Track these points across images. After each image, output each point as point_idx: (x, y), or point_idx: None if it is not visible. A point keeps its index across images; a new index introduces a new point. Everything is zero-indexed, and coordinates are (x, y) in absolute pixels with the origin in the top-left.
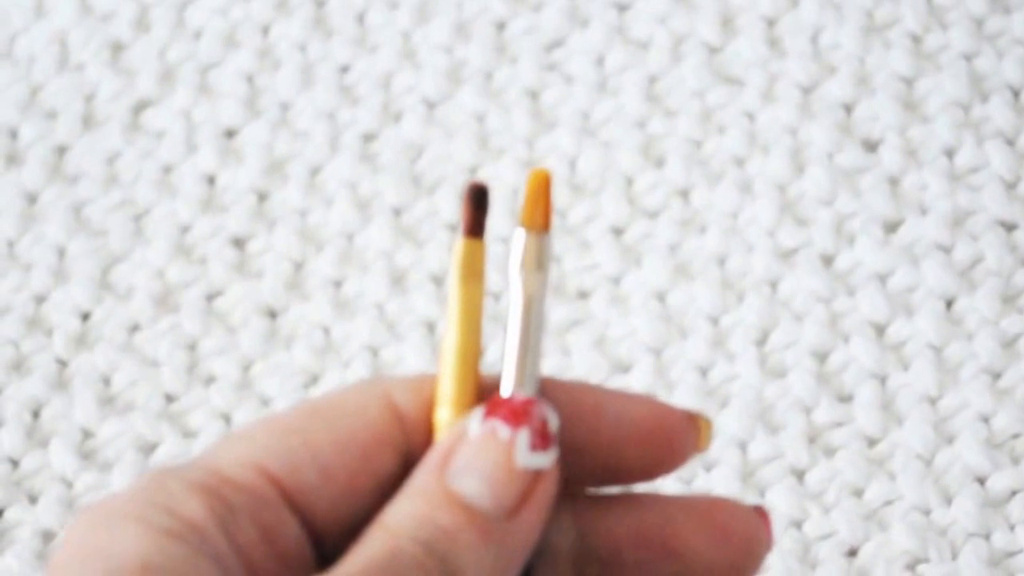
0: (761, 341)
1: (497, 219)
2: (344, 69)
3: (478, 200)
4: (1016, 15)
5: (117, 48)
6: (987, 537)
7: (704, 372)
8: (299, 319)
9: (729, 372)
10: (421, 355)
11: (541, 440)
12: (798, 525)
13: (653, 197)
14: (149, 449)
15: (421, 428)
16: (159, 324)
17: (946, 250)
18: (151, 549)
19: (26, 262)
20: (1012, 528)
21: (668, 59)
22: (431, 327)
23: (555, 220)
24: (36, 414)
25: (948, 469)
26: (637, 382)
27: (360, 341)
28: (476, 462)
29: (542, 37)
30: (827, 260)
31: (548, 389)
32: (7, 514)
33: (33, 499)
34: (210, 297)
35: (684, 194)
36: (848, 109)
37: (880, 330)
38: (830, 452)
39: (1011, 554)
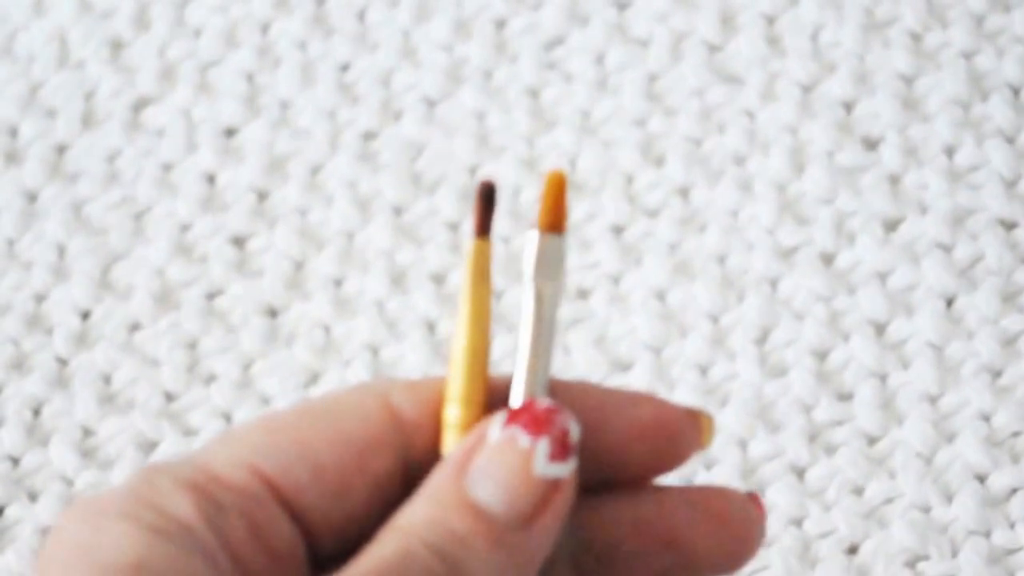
0: (761, 340)
1: (497, 219)
2: (344, 67)
3: (488, 199)
4: (1016, 13)
5: (117, 46)
6: (987, 535)
7: (704, 371)
8: (299, 318)
9: (729, 371)
10: (421, 354)
11: (561, 450)
12: (798, 523)
13: (653, 196)
14: (149, 447)
15: (420, 429)
16: (159, 323)
17: (946, 249)
18: (142, 548)
19: (26, 260)
20: (1012, 526)
21: (668, 57)
22: (431, 326)
23: None
24: (36, 412)
25: (948, 467)
26: (637, 381)
27: (360, 340)
28: (494, 468)
29: (542, 35)
30: (827, 259)
31: (550, 389)
32: (7, 512)
33: (33, 497)
34: (210, 296)
35: (684, 193)
36: (848, 107)
37: (880, 329)
38: (830, 450)
39: (1011, 552)
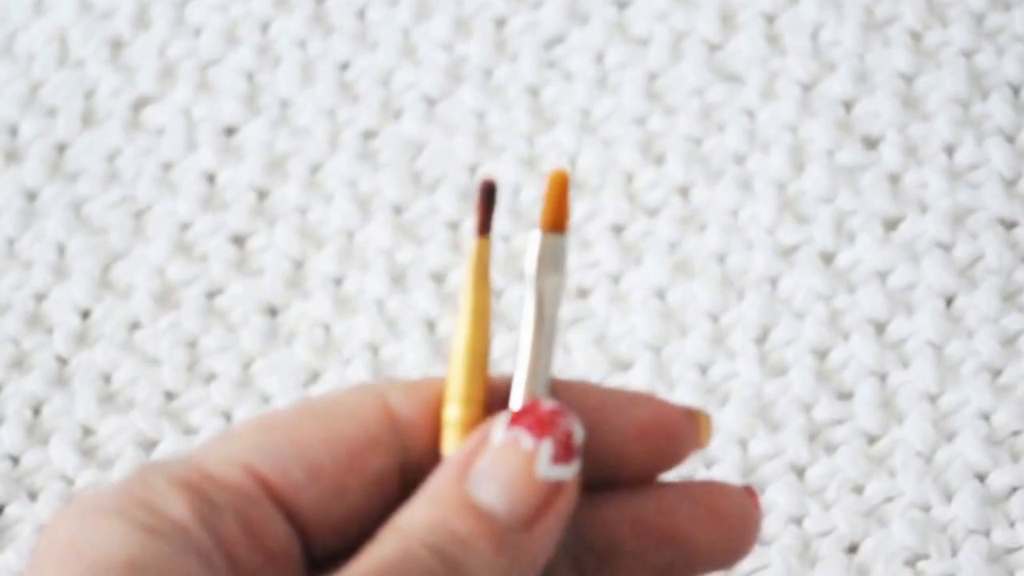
0: (761, 339)
1: (497, 218)
2: (344, 66)
3: (489, 198)
4: (1016, 12)
5: (117, 45)
6: (987, 534)
7: (704, 370)
8: (299, 317)
9: (729, 370)
10: (421, 353)
11: (564, 452)
12: (798, 522)
13: (653, 195)
14: (149, 446)
15: (418, 429)
16: (159, 322)
17: (946, 248)
18: (136, 547)
19: (26, 259)
20: (1012, 525)
21: (668, 56)
22: (431, 325)
23: None
24: (36, 411)
25: (948, 466)
26: (637, 380)
27: (360, 339)
28: (496, 470)
29: (542, 34)
30: (827, 258)
31: (550, 388)
32: (8, 511)
33: (33, 496)
34: (210, 295)
35: (684, 192)
36: (848, 106)
37: (880, 328)
38: (830, 449)
39: (1011, 551)
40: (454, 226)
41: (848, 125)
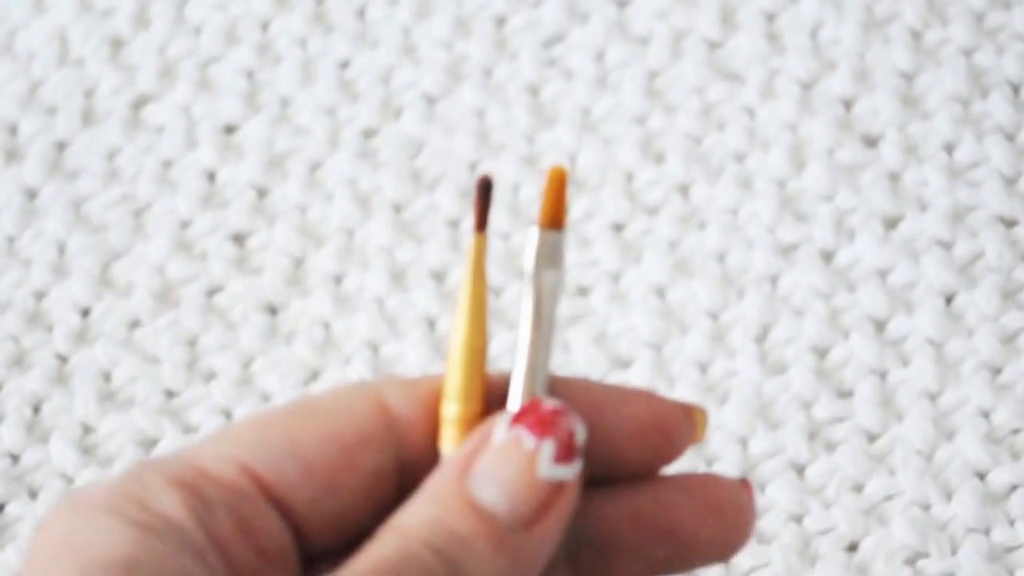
0: (761, 337)
1: (497, 215)
2: (344, 65)
3: (486, 193)
4: (1016, 10)
5: (117, 44)
6: (987, 532)
7: (704, 368)
8: (299, 315)
9: (729, 368)
10: (421, 351)
11: (566, 452)
12: (798, 520)
13: (653, 193)
14: (149, 444)
15: (413, 427)
16: (159, 320)
17: (946, 246)
18: (132, 545)
19: (26, 258)
20: (1012, 523)
21: (668, 55)
22: (431, 323)
23: None
24: (36, 409)
25: (948, 464)
26: (637, 378)
27: (360, 337)
28: (497, 469)
29: (542, 33)
30: (827, 256)
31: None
32: (8, 509)
33: (33, 494)
34: (210, 293)
35: (684, 190)
36: (848, 105)
37: (880, 326)
38: (830, 447)
39: (1011, 549)
40: (454, 224)
41: (848, 123)
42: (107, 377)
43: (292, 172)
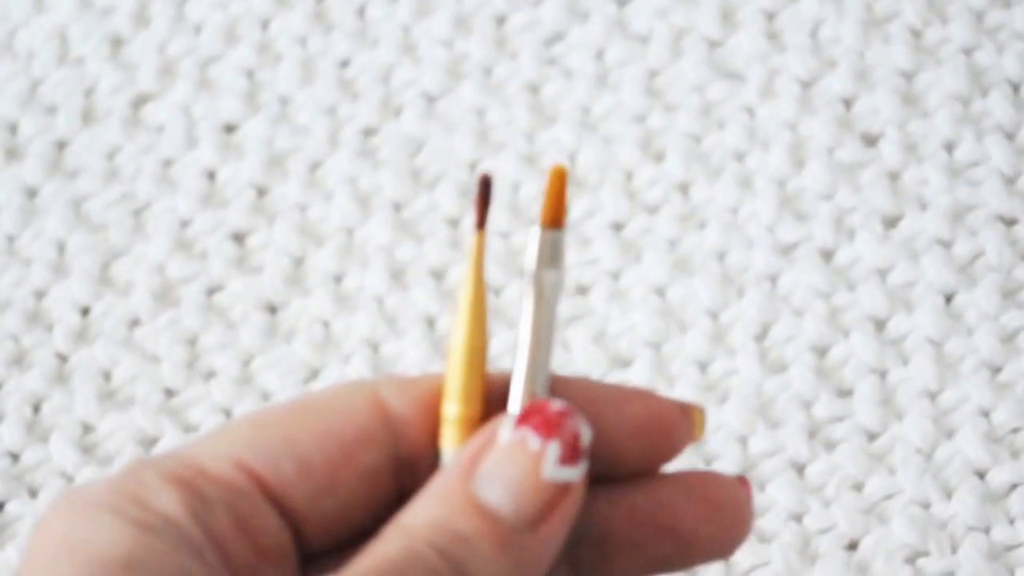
0: (761, 336)
1: (497, 214)
2: (344, 63)
3: (485, 192)
4: (1016, 9)
5: (117, 42)
6: (987, 531)
7: (704, 367)
8: (299, 314)
9: (729, 367)
10: (421, 350)
11: (571, 454)
12: (798, 519)
13: (653, 192)
14: (149, 443)
15: (410, 425)
16: (159, 319)
17: (946, 245)
18: (131, 544)
19: (26, 257)
20: (1012, 522)
21: (668, 53)
22: (431, 322)
23: None
24: (36, 408)
25: (948, 463)
26: (637, 377)
27: (360, 336)
28: (502, 470)
29: (542, 31)
30: (827, 255)
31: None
32: (8, 508)
33: (34, 493)
34: (210, 292)
35: (684, 189)
36: (848, 104)
37: (880, 325)
38: (830, 446)
39: (1011, 548)
40: (454, 223)
41: (848, 122)
42: (107, 376)
43: (292, 171)
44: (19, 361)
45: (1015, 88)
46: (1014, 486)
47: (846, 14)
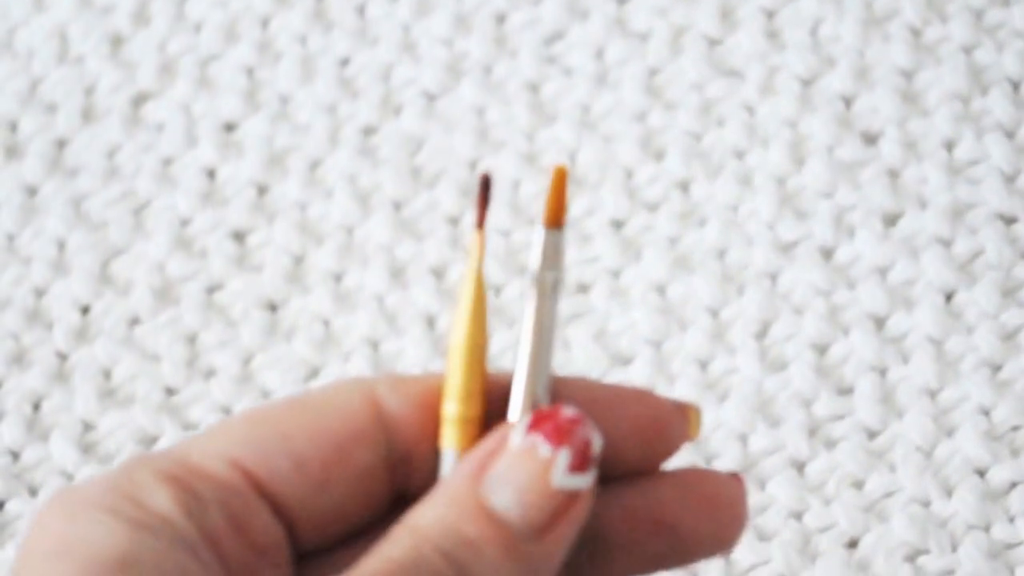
0: (761, 334)
1: (497, 213)
2: (344, 62)
3: (484, 191)
4: (1016, 7)
5: (117, 41)
6: (987, 529)
7: (704, 365)
8: (299, 312)
9: (729, 365)
10: (421, 348)
11: (581, 461)
12: (798, 517)
13: (653, 190)
14: (149, 442)
15: (406, 424)
16: (159, 317)
17: (946, 243)
18: (126, 542)
19: (26, 255)
20: (1012, 520)
21: (668, 52)
22: (431, 321)
23: None
24: (36, 407)
25: (948, 461)
26: (637, 375)
27: (360, 334)
28: (512, 476)
29: (542, 30)
30: (827, 253)
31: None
32: (8, 506)
33: (34, 492)
34: (210, 290)
35: (684, 187)
36: (848, 102)
37: (880, 323)
38: (830, 444)
39: (1011, 546)
40: (454, 222)
41: (848, 121)
42: (107, 374)
43: (292, 169)
44: (19, 359)
45: (1015, 86)
46: (1014, 484)
47: (846, 12)
